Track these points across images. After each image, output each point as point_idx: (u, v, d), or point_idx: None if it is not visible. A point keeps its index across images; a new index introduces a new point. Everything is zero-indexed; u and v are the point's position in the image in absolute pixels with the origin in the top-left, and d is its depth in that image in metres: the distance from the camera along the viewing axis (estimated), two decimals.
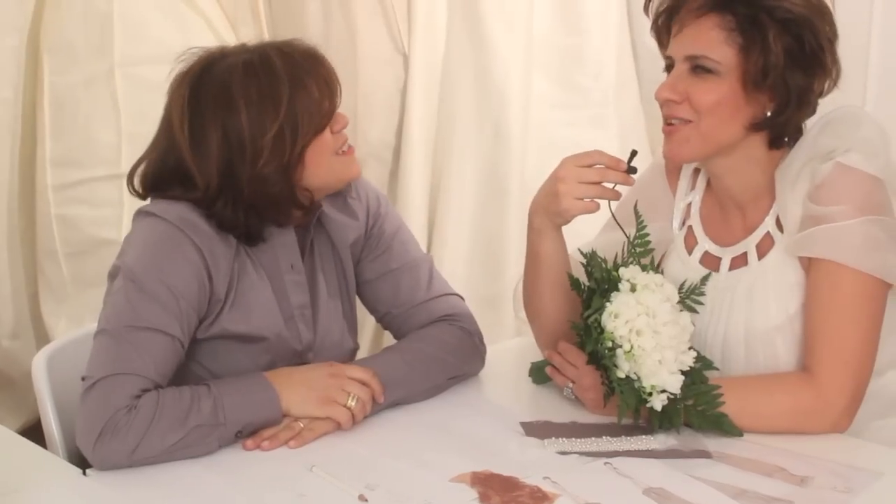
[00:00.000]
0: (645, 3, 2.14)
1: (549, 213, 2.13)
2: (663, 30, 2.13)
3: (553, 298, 2.20)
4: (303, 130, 2.02)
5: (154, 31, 3.59)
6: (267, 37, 3.71)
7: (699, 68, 2.04)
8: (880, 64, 3.43)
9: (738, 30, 2.02)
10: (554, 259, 2.18)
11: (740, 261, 2.15)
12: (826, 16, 2.05)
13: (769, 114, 2.05)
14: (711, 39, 2.03)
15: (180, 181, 2.06)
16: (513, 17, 3.71)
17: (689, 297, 2.09)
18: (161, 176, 2.08)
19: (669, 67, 2.10)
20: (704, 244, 2.20)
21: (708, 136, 2.06)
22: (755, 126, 2.06)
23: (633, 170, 2.07)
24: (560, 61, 3.82)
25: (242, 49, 2.08)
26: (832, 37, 2.06)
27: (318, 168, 2.07)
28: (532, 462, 1.93)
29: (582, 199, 2.07)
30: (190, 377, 2.06)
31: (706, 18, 2.04)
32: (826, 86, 2.08)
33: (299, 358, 2.14)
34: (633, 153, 2.08)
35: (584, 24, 3.78)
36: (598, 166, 2.08)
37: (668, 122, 2.09)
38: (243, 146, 2.01)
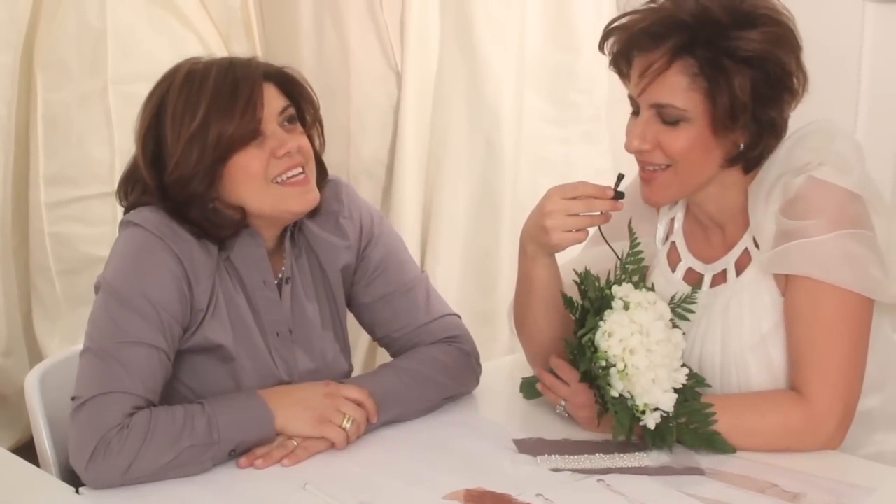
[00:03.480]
0: (599, 43, 2.13)
1: (539, 244, 2.13)
2: (622, 65, 2.11)
3: (546, 320, 2.20)
4: (211, 144, 1.99)
5: (147, 48, 3.59)
6: (259, 53, 3.71)
7: (666, 116, 2.03)
8: (871, 80, 3.44)
9: (702, 74, 1.99)
10: (547, 283, 2.17)
11: (720, 278, 2.15)
12: (785, 39, 2.02)
13: (742, 147, 2.05)
14: (675, 86, 2.01)
15: (139, 182, 2.07)
16: (505, 33, 3.71)
17: (680, 306, 2.09)
18: (127, 181, 2.10)
19: (635, 110, 2.08)
20: (687, 261, 2.20)
21: (686, 179, 2.06)
22: (730, 161, 2.06)
23: (619, 195, 2.06)
24: (552, 78, 3.83)
25: (201, 60, 2.07)
26: (797, 52, 2.04)
27: (243, 189, 2.04)
28: (525, 479, 1.93)
29: (571, 230, 2.07)
30: (174, 397, 2.05)
31: (671, 63, 2.00)
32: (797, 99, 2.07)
33: (285, 383, 2.12)
34: (620, 177, 2.07)
35: (575, 40, 3.79)
36: (584, 197, 2.07)
37: (643, 169, 2.09)
38: (165, 149, 2.02)
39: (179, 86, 2.03)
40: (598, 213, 2.08)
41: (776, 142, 2.07)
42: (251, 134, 2.02)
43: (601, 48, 2.13)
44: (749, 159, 2.07)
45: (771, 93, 2.01)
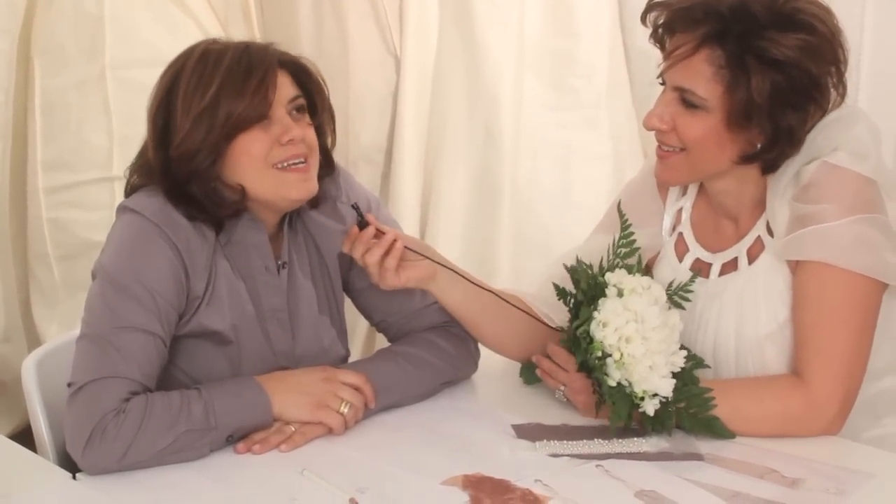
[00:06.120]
0: (643, 14, 2.12)
1: (403, 282, 2.13)
2: (663, 40, 2.10)
3: (496, 333, 2.21)
4: (220, 119, 1.99)
5: (145, 33, 3.59)
6: (258, 39, 3.70)
7: (686, 100, 2.03)
8: (872, 67, 3.43)
9: (727, 67, 1.99)
10: (454, 301, 2.17)
11: (730, 266, 2.14)
12: (819, 51, 1.99)
13: (759, 147, 2.04)
14: (699, 74, 2.01)
15: (145, 164, 2.07)
16: (504, 19, 3.70)
17: (677, 294, 2.08)
18: (135, 165, 2.10)
19: (664, 84, 2.08)
20: (695, 251, 2.19)
21: (697, 166, 2.07)
22: (745, 159, 2.05)
23: (362, 224, 2.09)
24: (552, 63, 3.82)
25: (219, 41, 2.08)
26: (834, 65, 2.02)
27: (244, 171, 2.03)
28: (523, 464, 1.93)
29: (388, 270, 2.08)
30: (171, 382, 2.05)
31: (698, 49, 2.00)
32: (832, 105, 2.05)
33: (282, 368, 2.11)
34: (356, 207, 2.09)
35: (575, 26, 3.78)
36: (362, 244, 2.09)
37: (659, 147, 2.09)
38: (174, 123, 2.01)
39: (194, 63, 2.03)
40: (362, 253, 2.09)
41: (792, 150, 2.04)
42: (259, 116, 2.01)
43: (643, 20, 2.12)
44: (766, 161, 2.05)
45: (793, 100, 1.99)
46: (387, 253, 2.08)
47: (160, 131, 2.04)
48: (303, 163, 2.05)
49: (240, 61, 2.02)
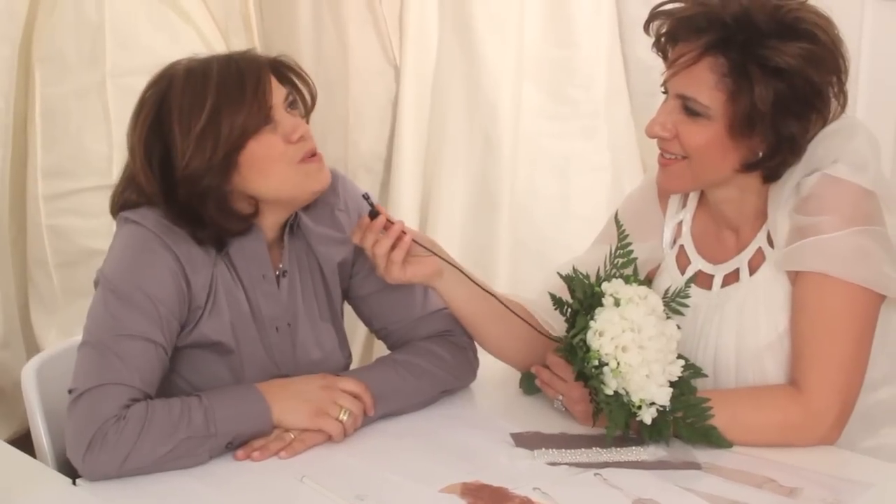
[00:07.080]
0: (645, 23, 2.13)
1: (406, 278, 2.14)
2: (665, 48, 2.11)
3: (496, 336, 2.22)
4: (225, 132, 1.98)
5: (145, 41, 3.60)
6: (258, 47, 3.71)
7: (689, 108, 2.04)
8: (870, 77, 3.44)
9: (730, 76, 1.99)
10: (458, 301, 2.18)
11: (732, 277, 2.14)
12: (821, 59, 2.01)
13: (761, 155, 2.04)
14: (702, 82, 2.02)
15: (138, 192, 2.06)
16: (504, 28, 3.71)
17: (675, 300, 2.09)
18: (122, 192, 2.09)
19: (666, 92, 2.09)
20: (697, 263, 2.19)
21: (699, 173, 2.07)
22: (747, 167, 2.06)
23: (373, 213, 2.09)
24: (551, 73, 3.83)
25: (196, 57, 2.06)
26: (836, 74, 2.03)
27: (267, 174, 2.03)
28: (522, 473, 1.93)
29: (395, 263, 2.09)
30: (173, 390, 2.05)
31: (701, 58, 2.01)
32: (832, 114, 2.06)
33: (284, 376, 2.11)
34: (366, 197, 2.11)
35: (574, 36, 3.79)
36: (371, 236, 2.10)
37: (661, 154, 2.10)
38: (174, 145, 2.00)
39: (182, 83, 2.01)
40: (375, 241, 2.09)
41: (794, 158, 2.05)
42: (264, 120, 2.02)
43: (646, 29, 2.12)
44: (767, 169, 2.06)
45: (796, 108, 2.00)
46: (394, 246, 2.09)
47: (159, 159, 2.02)
48: (315, 154, 2.08)
49: (229, 70, 2.02)
